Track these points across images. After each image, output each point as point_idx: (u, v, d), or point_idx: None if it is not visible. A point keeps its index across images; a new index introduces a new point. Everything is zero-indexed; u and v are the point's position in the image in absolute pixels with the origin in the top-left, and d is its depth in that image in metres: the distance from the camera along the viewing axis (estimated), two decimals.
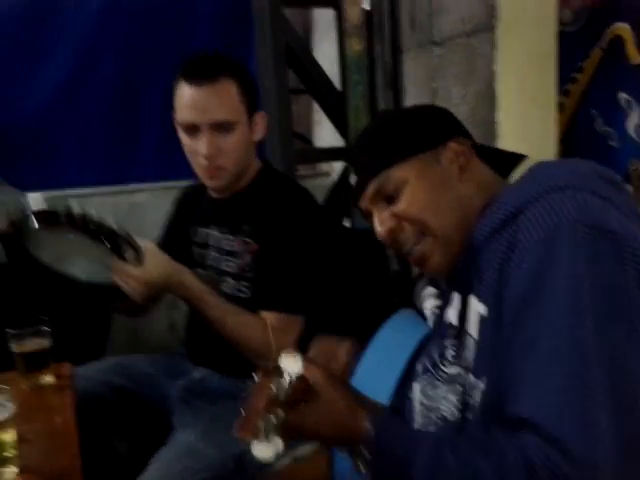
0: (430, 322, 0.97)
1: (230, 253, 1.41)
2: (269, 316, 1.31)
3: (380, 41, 1.98)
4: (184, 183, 1.67)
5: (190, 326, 1.52)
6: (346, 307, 1.55)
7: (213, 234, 1.45)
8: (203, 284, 1.30)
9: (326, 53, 2.45)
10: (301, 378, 0.71)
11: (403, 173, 0.84)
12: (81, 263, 1.25)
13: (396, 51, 1.94)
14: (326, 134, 2.65)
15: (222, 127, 1.30)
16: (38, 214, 1.13)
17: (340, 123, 2.25)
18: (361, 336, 1.05)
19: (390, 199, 0.85)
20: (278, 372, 0.71)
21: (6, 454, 0.89)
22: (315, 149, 2.77)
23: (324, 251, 1.40)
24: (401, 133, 0.87)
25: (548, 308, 0.66)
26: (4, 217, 1.17)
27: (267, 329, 1.30)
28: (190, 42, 2.33)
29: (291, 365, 0.72)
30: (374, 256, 1.71)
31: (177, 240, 1.51)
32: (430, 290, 0.98)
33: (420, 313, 1.03)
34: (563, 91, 1.40)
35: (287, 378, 0.71)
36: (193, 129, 1.31)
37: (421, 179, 0.84)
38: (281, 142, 2.15)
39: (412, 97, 1.88)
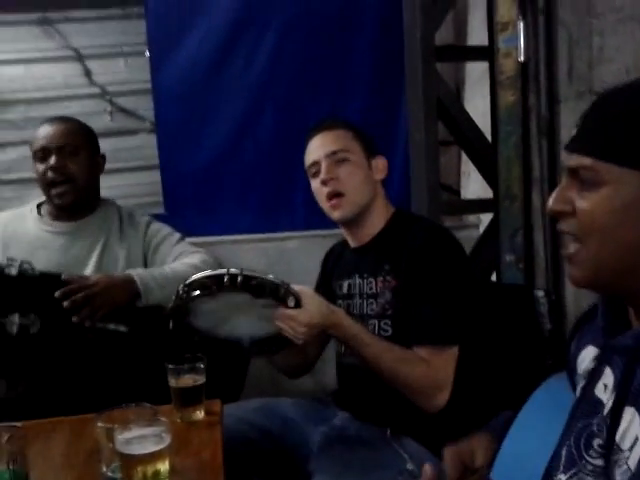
0: (579, 389, 0.86)
1: (372, 296, 1.44)
2: (422, 351, 1.30)
3: (535, 91, 1.93)
4: (331, 232, 1.71)
5: (339, 369, 1.55)
6: (493, 363, 1.48)
7: (356, 282, 1.49)
8: (358, 323, 1.33)
9: (478, 105, 2.43)
10: None
11: (619, 177, 0.71)
12: (241, 323, 1.29)
13: (552, 101, 1.88)
14: (474, 185, 2.59)
15: (337, 156, 1.44)
16: (200, 282, 1.19)
17: (490, 175, 2.20)
18: (510, 401, 0.99)
19: (585, 184, 0.75)
20: None
21: None
22: (462, 200, 2.72)
23: (463, 280, 1.38)
24: None
25: None
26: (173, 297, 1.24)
27: (423, 363, 1.29)
28: (344, 95, 2.41)
29: None
30: (524, 312, 1.62)
31: (325, 297, 1.56)
32: (590, 351, 0.86)
33: (571, 377, 0.94)
34: None
35: None
36: (316, 167, 1.46)
37: (626, 197, 0.71)
38: (428, 193, 2.15)
39: None
